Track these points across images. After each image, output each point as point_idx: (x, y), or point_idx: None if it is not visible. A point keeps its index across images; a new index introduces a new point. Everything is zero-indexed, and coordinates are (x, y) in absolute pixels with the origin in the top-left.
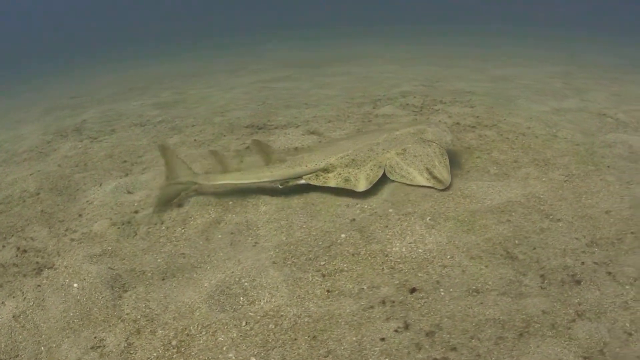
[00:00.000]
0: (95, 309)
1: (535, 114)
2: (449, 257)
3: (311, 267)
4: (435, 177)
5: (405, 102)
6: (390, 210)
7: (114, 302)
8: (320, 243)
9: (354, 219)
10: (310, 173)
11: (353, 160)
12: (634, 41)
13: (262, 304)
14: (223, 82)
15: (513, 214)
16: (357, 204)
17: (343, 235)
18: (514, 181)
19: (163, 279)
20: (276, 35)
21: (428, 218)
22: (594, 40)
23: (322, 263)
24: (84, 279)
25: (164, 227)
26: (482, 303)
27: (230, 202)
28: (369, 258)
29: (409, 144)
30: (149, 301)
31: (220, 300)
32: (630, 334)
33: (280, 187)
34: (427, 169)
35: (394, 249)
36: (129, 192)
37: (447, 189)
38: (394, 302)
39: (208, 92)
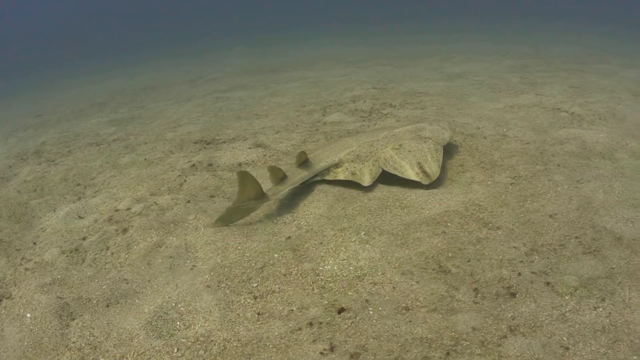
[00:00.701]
0: (45, 338)
1: (487, 113)
2: (380, 273)
3: (244, 289)
4: (424, 172)
5: (354, 108)
6: (327, 226)
7: (62, 330)
8: (254, 264)
9: (289, 237)
10: (327, 167)
11: (358, 156)
12: (601, 30)
13: (196, 328)
14: (181, 94)
15: (449, 224)
16: (294, 220)
17: (276, 255)
18: (457, 187)
19: (107, 306)
20: (236, 40)
21: (363, 233)
22: (562, 30)
23: (254, 285)
24: (36, 309)
25: (109, 253)
26: (410, 321)
27: (172, 225)
28: (300, 278)
29: (405, 140)
30: (93, 329)
31: (157, 326)
32: (567, 348)
33: (302, 184)
34: (419, 164)
35: (326, 267)
36: (79, 217)
37: (432, 182)
38: (321, 323)
39: (164, 105)
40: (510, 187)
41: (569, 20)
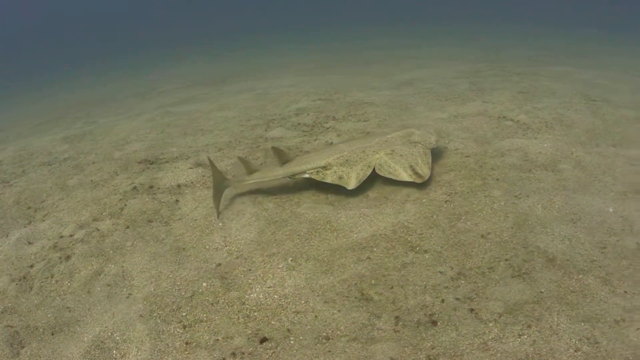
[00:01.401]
0: None
1: (431, 124)
2: (303, 302)
3: (174, 318)
4: (416, 173)
5: (297, 122)
6: (256, 251)
7: (12, 359)
8: (184, 293)
9: (219, 264)
10: (313, 169)
11: (347, 160)
12: (563, 30)
13: (130, 358)
14: (133, 107)
15: (375, 249)
16: (225, 245)
17: (204, 284)
18: (390, 206)
19: (52, 334)
20: (191, 49)
21: (290, 259)
22: (524, 32)
23: (184, 314)
24: None
25: (54, 281)
26: (330, 351)
27: (111, 252)
28: (227, 307)
29: (397, 146)
30: (40, 357)
31: (95, 356)
32: None
33: (289, 179)
34: (411, 166)
35: (252, 295)
36: (29, 243)
37: (424, 181)
38: (243, 353)
39: (115, 120)
40: (445, 205)
41: (535, 22)
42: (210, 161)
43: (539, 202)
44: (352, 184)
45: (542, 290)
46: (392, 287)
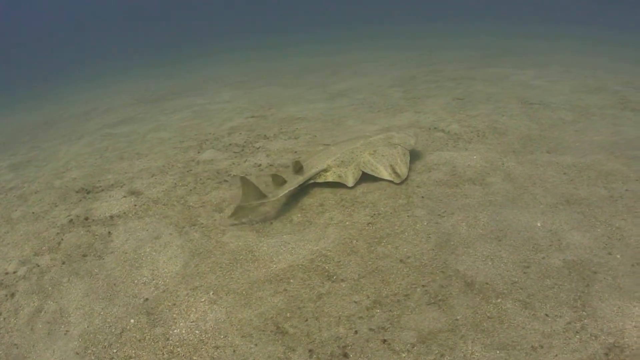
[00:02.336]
0: None
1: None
2: (222, 336)
3: (106, 355)
4: (395, 172)
5: (229, 142)
6: (181, 285)
7: None
8: (114, 330)
9: (147, 299)
10: (317, 173)
11: (342, 161)
12: (502, 28)
13: None
14: (75, 130)
15: (292, 281)
16: (153, 279)
17: (132, 321)
18: (313, 231)
19: None
20: (132, 62)
21: (211, 292)
22: (469, 32)
23: (114, 351)
24: None
25: (1, 318)
26: None
27: (50, 288)
28: (152, 343)
29: (379, 146)
30: None
31: None
32: None
33: (299, 188)
34: (391, 166)
35: (175, 330)
36: None
37: (403, 181)
38: None
39: (58, 144)
40: (367, 228)
41: (484, 21)
42: (244, 179)
43: (464, 220)
44: (350, 183)
45: (458, 317)
46: (306, 320)
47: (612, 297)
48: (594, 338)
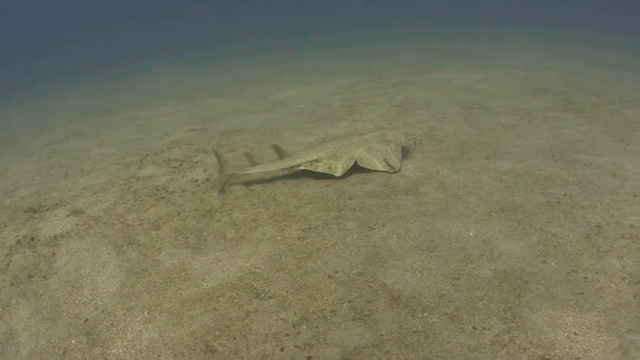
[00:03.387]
0: None
1: (296, 151)
2: (156, 356)
3: None
4: (390, 165)
5: (168, 157)
6: (118, 305)
7: None
8: (57, 350)
9: (87, 319)
10: (307, 163)
11: (334, 154)
12: (448, 31)
13: None
14: (26, 146)
15: (221, 299)
16: (92, 299)
17: (73, 341)
18: (245, 247)
19: None
20: (77, 78)
21: (146, 312)
22: (415, 36)
23: None
24: None
25: None
26: None
27: (0, 309)
28: None
29: (374, 143)
30: None
31: None
32: None
33: (287, 172)
34: (385, 159)
35: (113, 350)
36: None
37: (396, 171)
38: None
39: (9, 162)
40: (298, 243)
41: (430, 24)
42: (217, 154)
43: (395, 232)
44: (338, 173)
45: (383, 332)
46: (235, 338)
47: (545, 307)
48: (522, 350)
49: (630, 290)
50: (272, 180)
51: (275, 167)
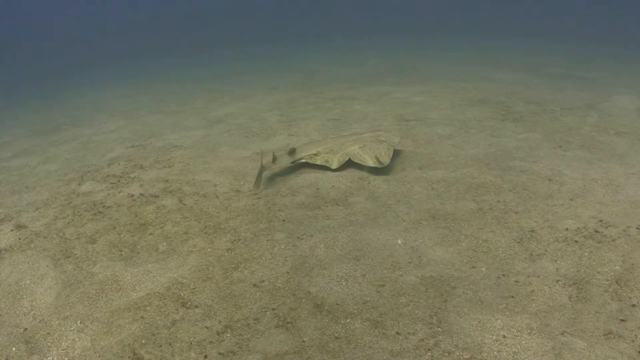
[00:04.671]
0: None
1: (232, 164)
2: None
3: None
4: (379, 161)
5: (107, 173)
6: (54, 315)
7: None
8: (0, 357)
9: (26, 328)
10: (308, 156)
11: (331, 150)
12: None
13: None
14: None
15: (148, 308)
16: (31, 310)
17: (14, 349)
18: (175, 259)
19: None
20: (27, 93)
21: (79, 322)
22: (344, 51)
23: None
24: None
25: None
26: None
27: None
28: None
29: (368, 142)
30: None
31: None
32: None
33: (292, 164)
34: (376, 157)
35: (49, 358)
36: None
37: (384, 166)
38: None
39: None
40: (226, 254)
41: (371, 37)
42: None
43: (322, 242)
44: (334, 166)
45: (305, 339)
46: (161, 346)
47: (472, 311)
48: (447, 354)
49: (564, 293)
50: (205, 194)
51: (287, 161)
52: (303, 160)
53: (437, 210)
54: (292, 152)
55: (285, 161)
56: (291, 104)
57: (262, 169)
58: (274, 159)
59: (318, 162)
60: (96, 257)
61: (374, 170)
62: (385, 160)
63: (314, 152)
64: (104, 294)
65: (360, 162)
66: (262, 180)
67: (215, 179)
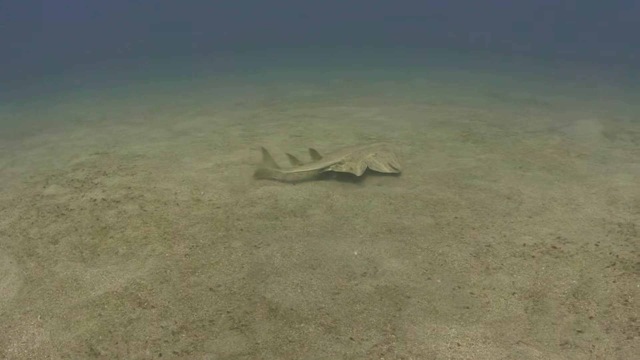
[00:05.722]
0: None
1: (193, 175)
2: (46, 356)
3: None
4: (394, 168)
5: (72, 178)
6: (15, 309)
7: None
8: None
9: None
10: (333, 164)
11: (353, 157)
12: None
13: None
14: None
15: (106, 306)
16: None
17: None
18: (134, 262)
19: None
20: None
21: (39, 316)
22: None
23: None
24: None
25: None
26: None
27: None
28: None
29: (377, 151)
30: None
31: None
32: None
33: (319, 172)
34: (389, 164)
35: (10, 349)
36: None
37: (399, 173)
38: None
39: None
40: (184, 259)
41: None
42: (264, 150)
43: (279, 251)
44: (358, 173)
45: (259, 341)
46: (117, 343)
47: (427, 320)
48: (399, 359)
49: (520, 305)
50: (166, 201)
51: (312, 168)
52: (329, 169)
53: (394, 224)
54: (317, 157)
55: (312, 167)
56: (254, 120)
57: (269, 169)
58: (294, 163)
59: (343, 170)
60: (57, 257)
61: (340, 184)
62: (398, 166)
63: (339, 160)
64: (63, 292)
65: (376, 170)
66: (261, 176)
67: (176, 188)
